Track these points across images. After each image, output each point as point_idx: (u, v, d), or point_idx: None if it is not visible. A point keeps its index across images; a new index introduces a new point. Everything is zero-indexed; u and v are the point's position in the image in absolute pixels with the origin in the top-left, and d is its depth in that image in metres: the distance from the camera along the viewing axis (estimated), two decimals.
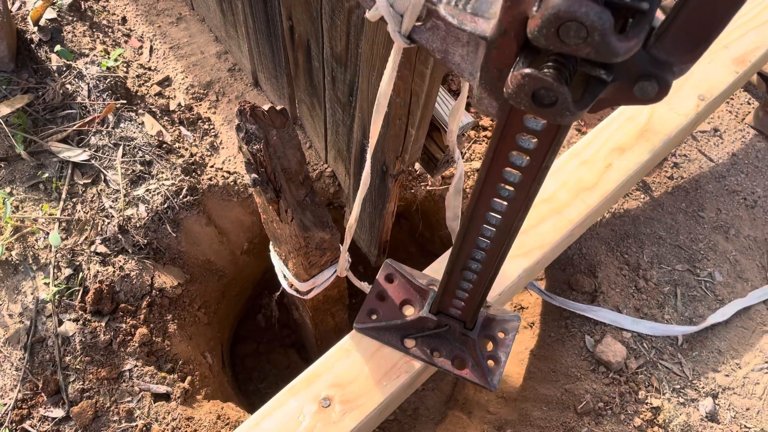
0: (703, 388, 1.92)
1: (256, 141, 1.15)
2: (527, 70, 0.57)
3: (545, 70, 0.56)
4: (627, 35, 0.51)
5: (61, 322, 1.67)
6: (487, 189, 0.92)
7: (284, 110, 1.17)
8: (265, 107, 1.14)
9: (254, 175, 1.20)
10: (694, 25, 0.52)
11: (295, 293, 1.63)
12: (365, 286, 1.63)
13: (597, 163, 1.85)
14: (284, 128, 1.19)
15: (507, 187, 0.89)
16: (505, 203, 0.93)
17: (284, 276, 1.60)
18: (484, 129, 2.35)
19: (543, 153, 0.79)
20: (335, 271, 1.57)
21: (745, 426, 1.87)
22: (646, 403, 1.86)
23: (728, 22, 0.52)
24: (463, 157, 2.26)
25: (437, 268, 1.65)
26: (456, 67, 0.74)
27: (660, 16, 0.55)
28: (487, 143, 2.32)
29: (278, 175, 1.23)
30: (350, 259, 1.56)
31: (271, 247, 1.59)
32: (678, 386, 1.91)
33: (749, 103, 2.60)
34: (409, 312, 1.54)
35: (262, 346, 2.75)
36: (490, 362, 1.46)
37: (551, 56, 0.57)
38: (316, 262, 1.51)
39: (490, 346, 1.49)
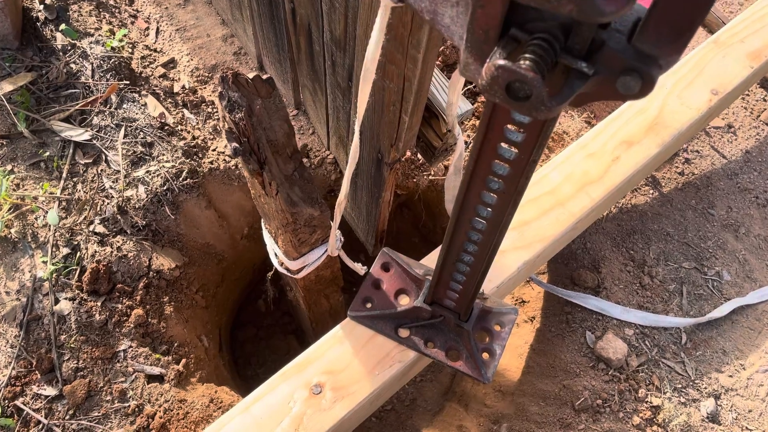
0: (705, 388, 1.89)
1: (239, 109, 1.13)
2: (501, 62, 0.54)
3: (521, 62, 0.54)
4: None
5: (57, 301, 1.67)
6: (476, 181, 0.90)
7: (270, 79, 1.14)
8: (250, 76, 1.12)
9: (235, 144, 1.17)
10: (674, 12, 0.50)
11: (285, 272, 1.61)
12: (359, 267, 1.61)
13: (604, 156, 1.81)
14: (270, 98, 1.16)
15: (496, 179, 0.87)
16: (495, 196, 0.90)
17: (275, 254, 1.58)
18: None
19: (530, 146, 0.76)
20: (326, 250, 1.55)
21: (747, 428, 1.83)
22: (646, 402, 1.83)
23: (709, 8, 0.49)
24: (466, 147, 2.23)
25: (434, 259, 1.63)
26: (446, 30, 0.71)
27: None
28: None
29: (263, 147, 1.20)
30: (342, 238, 1.54)
31: (262, 223, 1.57)
32: (680, 386, 1.88)
33: (765, 100, 2.53)
34: (405, 301, 1.52)
35: (262, 332, 2.75)
36: (485, 355, 1.44)
37: (529, 46, 0.55)
38: (306, 239, 1.48)
39: (486, 338, 1.47)
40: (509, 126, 0.76)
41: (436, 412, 2.16)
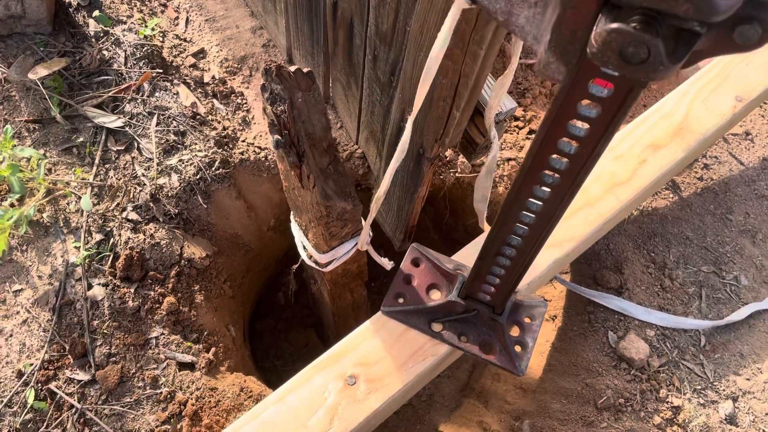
0: (723, 390, 1.91)
1: (281, 102, 1.13)
2: (614, 25, 0.53)
3: (633, 24, 0.52)
4: None
5: (90, 286, 1.68)
6: (537, 164, 0.88)
7: (310, 73, 1.15)
8: (291, 69, 1.12)
9: (277, 137, 1.18)
10: None
11: (314, 265, 1.62)
12: (386, 262, 1.62)
13: (631, 159, 1.83)
14: (309, 92, 1.17)
15: (561, 158, 0.85)
16: (557, 176, 0.89)
17: (304, 247, 1.59)
18: (516, 119, 2.33)
19: (606, 122, 0.75)
20: (356, 244, 1.56)
21: (764, 430, 1.86)
22: (667, 402, 1.86)
23: None
24: None
25: (465, 254, 1.65)
26: (519, 30, 0.71)
27: None
28: (517, 133, 2.31)
29: (302, 140, 1.21)
30: (371, 233, 1.55)
31: (291, 217, 1.58)
32: (699, 387, 1.90)
33: None
34: (436, 296, 1.53)
35: (281, 324, 2.76)
36: (517, 347, 1.46)
37: (636, 11, 0.53)
38: (337, 233, 1.49)
39: (516, 331, 1.49)
40: (584, 102, 0.75)
41: (453, 408, 2.18)
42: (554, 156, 0.86)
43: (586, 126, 0.79)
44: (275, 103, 1.16)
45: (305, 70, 1.17)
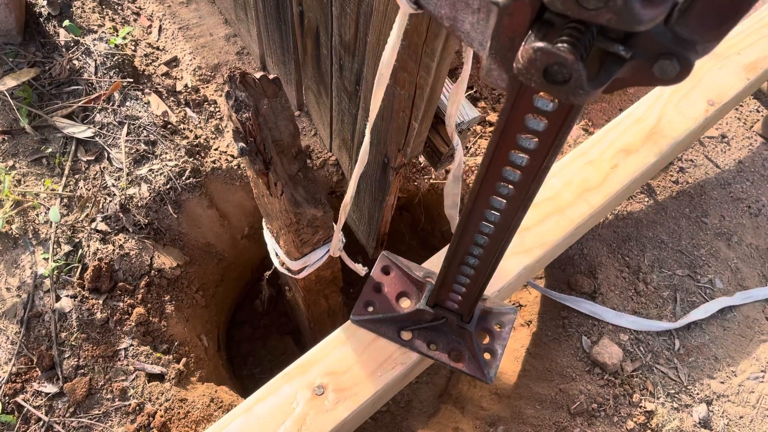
0: (697, 394, 1.92)
1: (246, 109, 1.13)
2: (539, 44, 0.53)
3: (559, 45, 0.52)
4: (652, 1, 0.48)
5: (58, 298, 1.67)
6: (491, 176, 0.88)
7: (277, 79, 1.14)
8: (257, 75, 1.12)
9: (242, 144, 1.16)
10: (721, 1, 0.50)
11: (286, 272, 1.62)
12: (359, 268, 1.62)
13: (603, 164, 1.84)
14: (276, 98, 1.17)
15: (514, 170, 0.86)
16: (511, 187, 0.89)
17: (276, 254, 1.59)
18: (491, 125, 2.34)
19: (553, 134, 0.75)
20: (328, 250, 1.56)
21: None
22: (640, 407, 1.86)
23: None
24: (467, 152, 2.25)
25: (436, 262, 1.64)
26: (465, 37, 0.71)
27: None
28: None
29: (269, 147, 1.20)
30: (344, 239, 1.55)
31: (264, 224, 1.57)
32: (673, 391, 1.91)
33: (758, 111, 2.58)
34: (406, 304, 1.53)
35: (259, 332, 2.75)
36: (487, 355, 1.46)
37: (565, 29, 0.54)
38: (308, 240, 1.49)
39: (486, 338, 1.49)
40: (531, 115, 0.75)
41: (431, 414, 2.18)
42: (507, 168, 0.86)
43: (535, 139, 0.79)
44: (240, 111, 1.15)
45: (271, 76, 1.16)
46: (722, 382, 1.95)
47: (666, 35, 0.52)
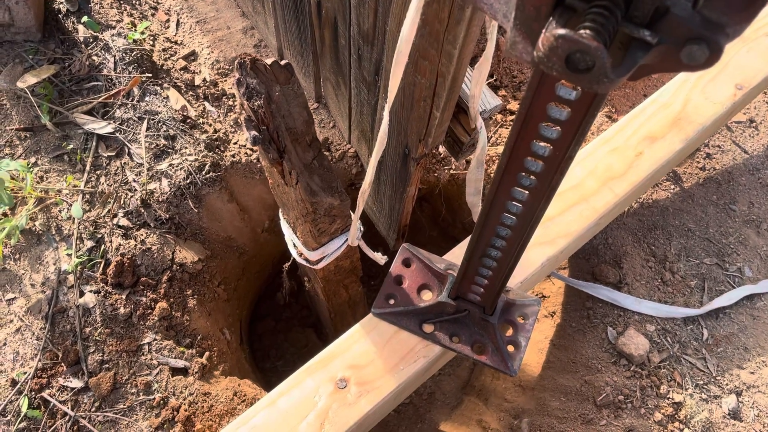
0: (727, 384, 1.88)
1: (258, 97, 1.10)
2: (561, 31, 0.51)
3: (581, 31, 0.50)
4: None
5: (82, 294, 1.68)
6: (513, 167, 0.87)
7: (288, 65, 1.11)
8: (268, 61, 1.09)
9: (254, 133, 1.13)
10: None
11: (305, 262, 1.60)
12: (378, 257, 1.60)
13: (627, 151, 1.80)
14: (288, 84, 1.13)
15: (536, 161, 0.84)
16: (533, 178, 0.87)
17: (294, 244, 1.57)
18: (512, 113, 2.30)
19: (575, 125, 0.73)
20: (346, 240, 1.54)
21: None
22: (668, 398, 1.83)
23: None
24: (489, 141, 2.22)
25: (458, 254, 1.62)
26: (489, 8, 0.68)
27: None
28: None
29: (282, 135, 1.17)
30: (362, 228, 1.53)
31: (280, 214, 1.55)
32: (701, 382, 1.87)
33: None
34: (427, 297, 1.52)
35: (281, 324, 2.76)
36: (510, 347, 1.44)
37: (588, 14, 0.52)
38: (326, 229, 1.47)
39: (510, 331, 1.47)
40: (553, 104, 0.73)
41: (454, 406, 2.16)
42: (529, 158, 0.84)
43: (558, 129, 0.77)
44: (251, 98, 1.12)
45: (283, 62, 1.13)
46: (752, 373, 1.91)
47: (694, 19, 0.50)
